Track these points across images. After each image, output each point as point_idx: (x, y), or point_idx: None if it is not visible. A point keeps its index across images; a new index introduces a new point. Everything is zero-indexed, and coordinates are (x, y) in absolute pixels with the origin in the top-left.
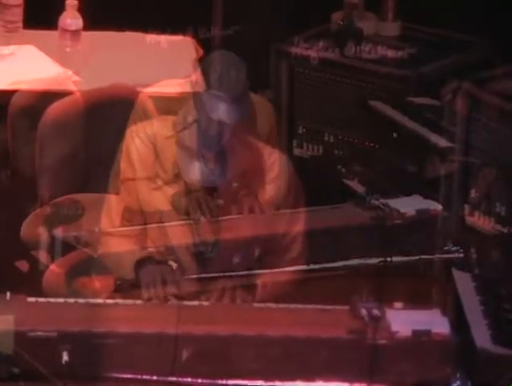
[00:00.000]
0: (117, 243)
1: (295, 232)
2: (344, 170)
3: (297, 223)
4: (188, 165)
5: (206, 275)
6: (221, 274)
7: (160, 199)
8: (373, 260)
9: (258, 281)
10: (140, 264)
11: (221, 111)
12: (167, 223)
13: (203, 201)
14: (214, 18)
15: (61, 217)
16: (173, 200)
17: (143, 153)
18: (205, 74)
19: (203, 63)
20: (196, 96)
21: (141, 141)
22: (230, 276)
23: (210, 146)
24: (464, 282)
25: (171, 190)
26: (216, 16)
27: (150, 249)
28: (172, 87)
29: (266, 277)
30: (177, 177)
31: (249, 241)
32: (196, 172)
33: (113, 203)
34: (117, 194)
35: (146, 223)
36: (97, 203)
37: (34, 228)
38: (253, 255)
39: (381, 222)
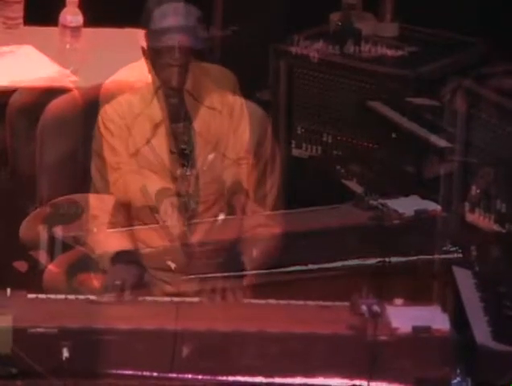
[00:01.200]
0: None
1: (271, 180)
2: (342, 170)
3: (273, 172)
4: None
5: (198, 273)
6: (214, 274)
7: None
8: (372, 261)
9: (252, 281)
10: (116, 259)
11: (174, 37)
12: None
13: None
14: (212, 17)
15: (60, 217)
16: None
17: (120, 135)
18: (148, 19)
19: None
20: (149, 57)
21: (114, 124)
22: (223, 273)
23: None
24: (464, 279)
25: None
26: (215, 16)
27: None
28: (135, 70)
29: (260, 277)
30: (146, 158)
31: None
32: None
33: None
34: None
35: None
36: None
37: (33, 228)
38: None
39: (379, 222)
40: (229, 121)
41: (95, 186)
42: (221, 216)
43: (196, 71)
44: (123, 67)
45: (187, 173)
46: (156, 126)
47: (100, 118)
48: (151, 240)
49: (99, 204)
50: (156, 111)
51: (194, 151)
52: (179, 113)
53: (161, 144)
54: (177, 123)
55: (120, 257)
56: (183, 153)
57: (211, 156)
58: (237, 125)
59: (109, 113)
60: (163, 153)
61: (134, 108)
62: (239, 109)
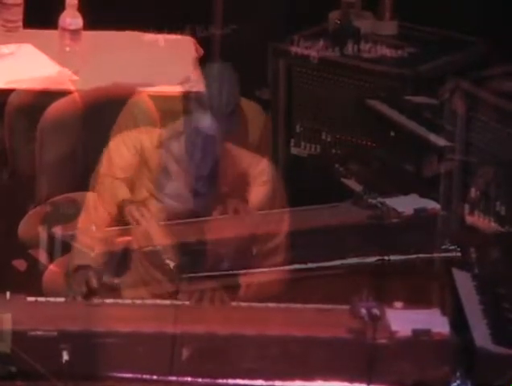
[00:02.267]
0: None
1: (280, 234)
2: (341, 169)
3: (282, 225)
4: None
5: (197, 275)
6: (212, 273)
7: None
8: (371, 259)
9: (248, 281)
10: (76, 271)
11: (210, 126)
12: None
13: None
14: (212, 17)
15: (59, 216)
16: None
17: (126, 157)
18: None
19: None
20: (186, 108)
21: (125, 146)
22: (220, 275)
23: (197, 163)
24: (463, 282)
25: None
26: (214, 15)
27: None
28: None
29: (258, 276)
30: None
31: (238, 241)
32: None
33: (91, 201)
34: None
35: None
36: None
37: (31, 227)
38: (245, 254)
39: (378, 221)
40: (247, 173)
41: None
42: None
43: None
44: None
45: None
46: (175, 160)
47: (115, 134)
48: (148, 239)
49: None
50: (177, 145)
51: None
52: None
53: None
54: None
55: (79, 271)
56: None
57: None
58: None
59: (125, 136)
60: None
61: (154, 139)
62: (265, 177)
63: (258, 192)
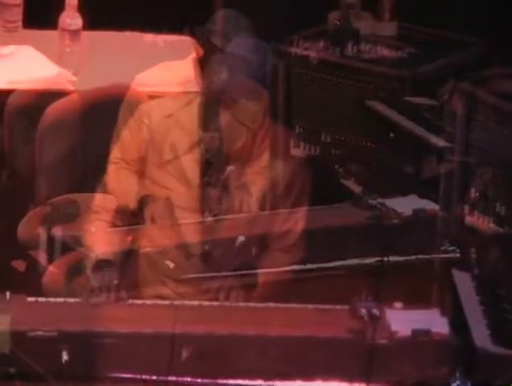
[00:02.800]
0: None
1: (293, 226)
2: (341, 169)
3: (296, 218)
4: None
5: (204, 275)
6: (219, 274)
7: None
8: (371, 260)
9: (255, 281)
10: (96, 267)
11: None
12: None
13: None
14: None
15: (58, 217)
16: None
17: (135, 133)
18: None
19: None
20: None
21: (134, 119)
22: (227, 275)
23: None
24: (463, 282)
25: (159, 176)
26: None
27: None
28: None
29: (263, 276)
30: (170, 163)
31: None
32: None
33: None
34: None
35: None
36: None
37: (31, 228)
38: (250, 252)
39: (378, 222)
40: (253, 140)
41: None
42: (241, 238)
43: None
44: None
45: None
46: (184, 131)
47: (123, 113)
48: (154, 239)
49: (102, 202)
50: (187, 115)
51: (218, 161)
52: (210, 123)
53: (187, 151)
54: (206, 132)
55: (100, 265)
56: (207, 162)
57: (230, 168)
58: (259, 144)
59: (135, 112)
60: (188, 162)
61: (164, 110)
62: (265, 130)
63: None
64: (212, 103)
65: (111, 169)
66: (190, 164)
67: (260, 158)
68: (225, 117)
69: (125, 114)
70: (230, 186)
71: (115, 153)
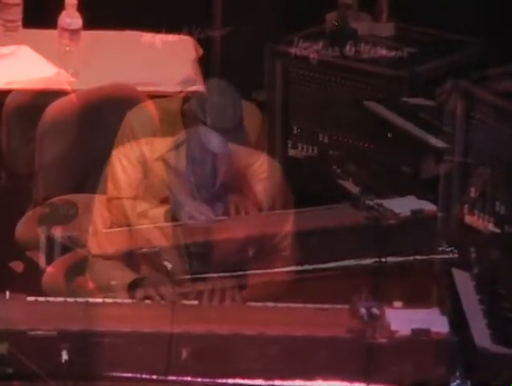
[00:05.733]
0: (106, 264)
1: (285, 232)
2: (338, 170)
3: (287, 223)
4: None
5: (201, 275)
6: (215, 275)
7: (146, 222)
8: (368, 261)
9: (251, 281)
10: (132, 286)
11: (214, 143)
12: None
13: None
14: (209, 18)
15: (56, 217)
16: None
17: (130, 174)
18: (199, 106)
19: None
20: (187, 121)
21: (128, 161)
22: (223, 276)
23: (202, 180)
24: (463, 281)
25: (158, 214)
26: (211, 16)
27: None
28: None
29: (259, 277)
30: (166, 201)
31: (242, 242)
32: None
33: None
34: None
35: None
36: (92, 204)
37: (29, 229)
38: (246, 255)
39: (375, 222)
40: (245, 169)
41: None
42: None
43: None
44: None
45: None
46: (175, 172)
47: (116, 151)
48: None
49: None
50: (177, 157)
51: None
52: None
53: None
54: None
55: (137, 283)
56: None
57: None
58: (252, 175)
59: (127, 151)
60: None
61: (154, 150)
62: (265, 172)
63: (258, 189)
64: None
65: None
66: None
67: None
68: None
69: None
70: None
71: (111, 192)
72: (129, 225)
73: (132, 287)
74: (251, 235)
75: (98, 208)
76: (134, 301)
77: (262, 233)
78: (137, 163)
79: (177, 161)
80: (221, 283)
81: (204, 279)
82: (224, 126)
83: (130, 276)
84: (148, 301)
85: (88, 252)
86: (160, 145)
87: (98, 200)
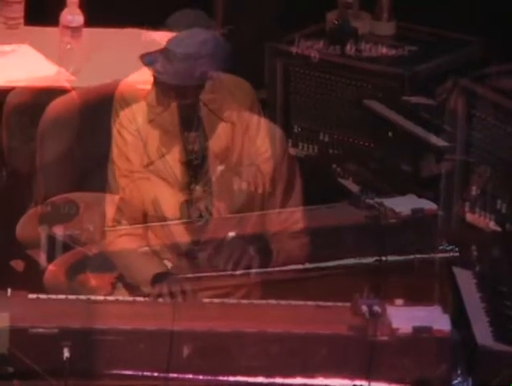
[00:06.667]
0: (122, 241)
1: (294, 219)
2: (339, 169)
3: (293, 217)
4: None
5: (204, 274)
6: (217, 273)
7: (152, 189)
8: (369, 260)
9: (254, 280)
10: (157, 279)
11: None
12: (169, 222)
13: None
14: (210, 17)
15: (57, 216)
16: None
17: (133, 143)
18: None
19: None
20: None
21: (128, 131)
22: (225, 275)
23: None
24: (465, 279)
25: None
26: (215, 15)
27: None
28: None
29: (259, 276)
30: (155, 164)
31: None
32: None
33: (111, 202)
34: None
35: (147, 217)
36: (92, 203)
37: (29, 227)
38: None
39: (376, 221)
40: (242, 137)
41: (110, 191)
42: (231, 234)
43: (213, 82)
44: (123, 67)
45: (197, 186)
46: (168, 134)
47: (114, 126)
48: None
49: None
50: (168, 118)
51: (204, 163)
52: (191, 122)
53: (172, 153)
54: (189, 132)
55: (162, 276)
56: (192, 164)
57: (220, 167)
58: (251, 143)
59: (122, 121)
60: (175, 163)
61: (146, 115)
62: (255, 126)
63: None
64: (190, 102)
65: (126, 182)
66: (176, 165)
67: (254, 155)
68: (207, 117)
69: (116, 125)
70: (219, 185)
71: (124, 166)
72: (143, 206)
73: (155, 280)
74: (250, 233)
75: (109, 202)
76: (146, 297)
77: (261, 231)
78: (134, 131)
79: (171, 120)
80: (223, 282)
81: (203, 278)
82: (185, 51)
83: (154, 269)
84: (167, 298)
85: (88, 251)
86: (151, 109)
87: (108, 199)
